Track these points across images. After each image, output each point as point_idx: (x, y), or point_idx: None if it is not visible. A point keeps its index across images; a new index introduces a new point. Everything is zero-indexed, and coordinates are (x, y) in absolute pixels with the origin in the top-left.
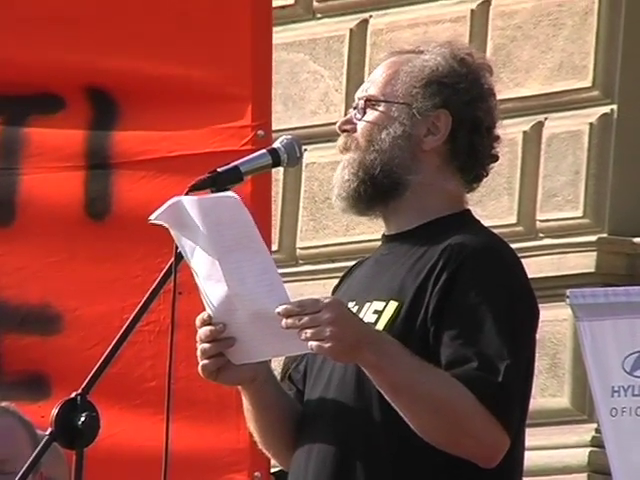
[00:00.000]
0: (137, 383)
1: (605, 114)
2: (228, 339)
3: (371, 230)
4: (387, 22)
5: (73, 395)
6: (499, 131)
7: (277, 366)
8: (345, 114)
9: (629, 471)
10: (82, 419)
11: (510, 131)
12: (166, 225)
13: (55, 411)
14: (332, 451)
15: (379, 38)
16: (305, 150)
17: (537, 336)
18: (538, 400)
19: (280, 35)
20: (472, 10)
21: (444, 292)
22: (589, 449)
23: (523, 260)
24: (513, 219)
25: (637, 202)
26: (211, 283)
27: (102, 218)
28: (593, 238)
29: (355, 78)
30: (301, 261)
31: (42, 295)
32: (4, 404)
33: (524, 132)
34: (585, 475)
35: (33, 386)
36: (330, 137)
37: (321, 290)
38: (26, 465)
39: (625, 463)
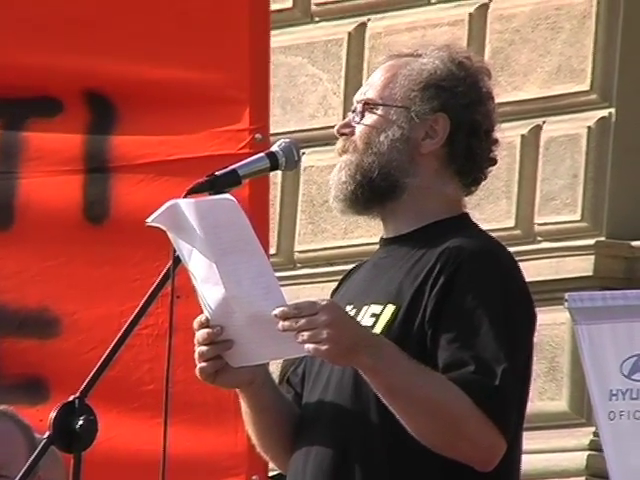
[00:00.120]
0: (135, 386)
1: (603, 117)
2: (226, 342)
3: (369, 233)
4: (385, 25)
5: (71, 398)
6: (497, 134)
7: (275, 369)
8: (343, 117)
9: (627, 474)
10: (80, 422)
11: (508, 134)
12: (163, 228)
13: (53, 414)
14: (330, 454)
15: (377, 41)
16: (303, 153)
17: (535, 340)
18: (536, 403)
19: (278, 38)
20: (470, 14)
21: (441, 295)
22: (587, 452)
23: (521, 263)
24: (511, 222)
25: (635, 205)
26: (208, 286)
27: (100, 222)
28: (591, 242)
29: (353, 81)
30: (299, 264)
31: (40, 299)
32: (2, 408)
33: (522, 135)
34: (583, 479)
35: (31, 390)
36: (328, 140)
37: (319, 293)
38: (24, 469)
39: (623, 466)
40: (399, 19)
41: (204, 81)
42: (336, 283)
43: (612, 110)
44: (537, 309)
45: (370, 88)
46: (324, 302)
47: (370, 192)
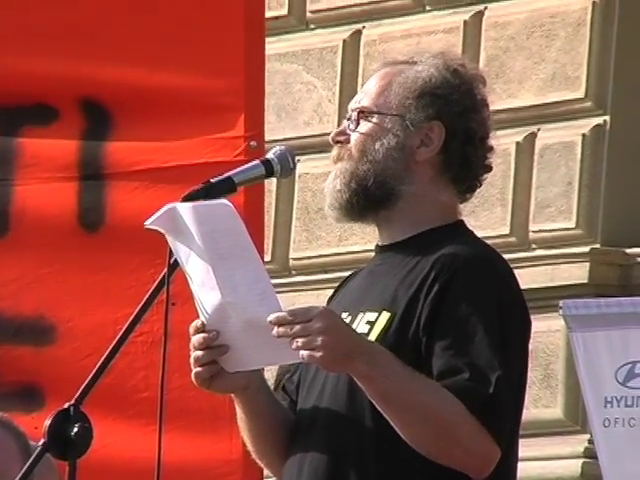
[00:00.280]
0: (130, 394)
1: (598, 125)
2: (221, 347)
3: (364, 240)
4: (380, 33)
5: (66, 406)
6: (492, 142)
7: (270, 377)
8: (338, 125)
9: None
10: (75, 430)
11: (503, 142)
12: (161, 230)
13: (48, 422)
14: (324, 460)
15: (372, 49)
16: (298, 161)
17: (530, 347)
18: (531, 411)
19: (273, 46)
20: (465, 21)
21: (436, 303)
22: (582, 460)
23: (516, 271)
24: (506, 230)
25: (630, 213)
26: (205, 290)
27: (95, 229)
28: (586, 249)
29: (348, 89)
30: (294, 271)
31: (36, 306)
32: None
33: (517, 143)
34: None
35: (26, 397)
36: (323, 148)
37: (314, 300)
38: (18, 476)
39: (618, 474)
40: (394, 26)
41: (199, 88)
42: (331, 290)
43: (607, 118)
44: (532, 316)
45: (365, 96)
46: (319, 309)
47: (365, 200)
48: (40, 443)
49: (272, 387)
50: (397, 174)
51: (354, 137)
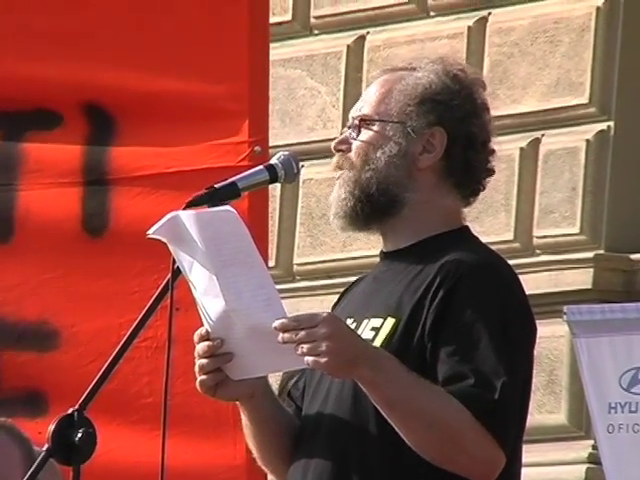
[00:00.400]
0: (134, 399)
1: (602, 131)
2: (226, 354)
3: (368, 246)
4: (384, 38)
5: (70, 411)
6: (495, 147)
7: (274, 382)
8: (342, 131)
9: None
10: (79, 435)
11: (507, 147)
12: (164, 240)
13: (52, 427)
14: (329, 466)
15: (376, 54)
16: (302, 166)
17: (534, 353)
18: (535, 417)
19: (277, 51)
20: (469, 27)
21: (441, 309)
22: (586, 466)
23: (520, 276)
24: (510, 235)
25: (634, 219)
26: (209, 298)
27: (99, 234)
28: (590, 255)
29: (352, 94)
30: (298, 277)
31: (39, 312)
32: (0, 420)
33: (521, 148)
34: None
35: (30, 402)
36: (327, 153)
37: (318, 306)
38: None
39: (622, 479)
40: (398, 32)
41: (203, 93)
42: (335, 296)
43: (611, 123)
44: (536, 322)
45: (365, 104)
46: (324, 315)
47: (370, 208)
48: (44, 448)
49: (277, 392)
50: (400, 181)
51: (355, 145)
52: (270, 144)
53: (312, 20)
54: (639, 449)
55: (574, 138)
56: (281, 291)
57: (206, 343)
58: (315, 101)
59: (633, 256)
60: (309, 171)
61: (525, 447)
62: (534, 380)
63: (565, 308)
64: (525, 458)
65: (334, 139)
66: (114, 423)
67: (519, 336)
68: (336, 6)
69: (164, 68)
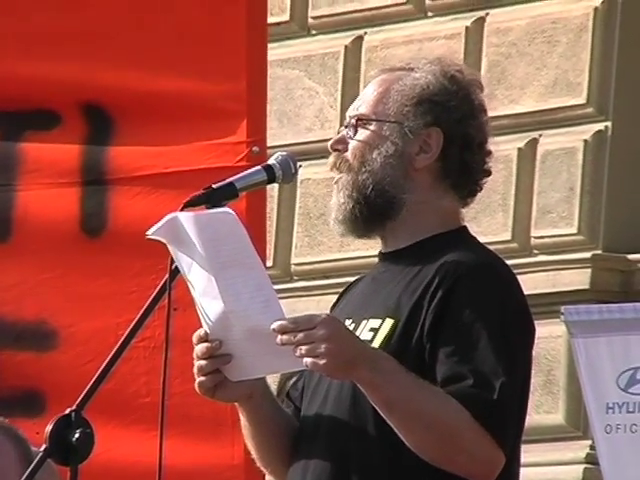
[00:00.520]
0: (132, 399)
1: (599, 131)
2: (224, 356)
3: (366, 246)
4: (382, 39)
5: (68, 411)
6: (492, 147)
7: (272, 382)
8: (339, 130)
9: None
10: (76, 435)
11: (505, 148)
12: (163, 241)
13: (49, 427)
14: (328, 467)
15: (374, 55)
16: (300, 166)
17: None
18: (533, 417)
19: (275, 52)
20: (467, 27)
21: (440, 309)
22: (583, 466)
23: (517, 277)
24: (508, 236)
25: (631, 219)
26: (207, 299)
27: (97, 234)
28: (587, 255)
29: (350, 94)
30: (296, 277)
31: (38, 311)
32: None
33: (519, 149)
34: None
35: (28, 402)
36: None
37: (315, 306)
38: None
39: None
40: (396, 32)
41: (201, 93)
42: (333, 296)
43: (608, 123)
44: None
45: (362, 103)
46: (322, 316)
47: (368, 210)
48: (42, 449)
49: (275, 393)
50: (396, 182)
51: (352, 145)
52: (268, 144)
53: (310, 20)
54: (636, 449)
55: (572, 138)
56: (278, 291)
57: (205, 344)
58: (313, 101)
59: (631, 256)
60: (307, 171)
61: (523, 447)
62: (532, 380)
63: (563, 308)
64: (523, 458)
65: (332, 139)
66: (112, 423)
67: (518, 336)
68: (334, 6)
69: (162, 68)
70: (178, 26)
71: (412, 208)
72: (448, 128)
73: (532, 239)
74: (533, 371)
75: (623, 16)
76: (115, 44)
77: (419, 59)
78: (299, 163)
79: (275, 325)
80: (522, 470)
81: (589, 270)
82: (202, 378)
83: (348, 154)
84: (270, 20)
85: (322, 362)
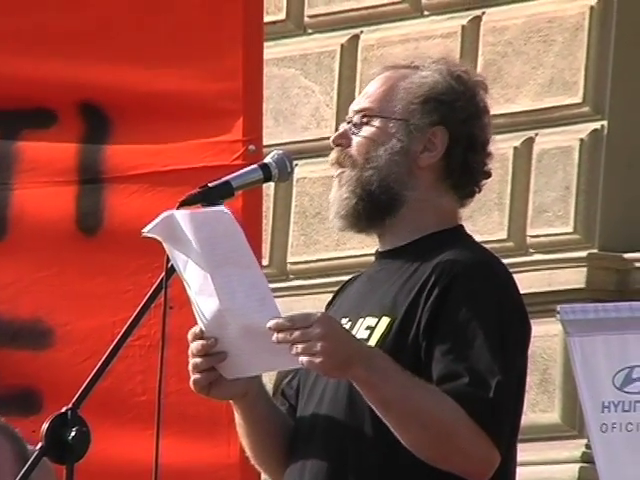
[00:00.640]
0: (128, 397)
1: (595, 130)
2: (220, 354)
3: (362, 245)
4: (378, 37)
5: (64, 410)
6: (490, 147)
7: (268, 381)
8: (336, 129)
9: None
10: (72, 434)
11: (501, 147)
12: (159, 238)
13: (45, 426)
14: (325, 467)
15: (370, 54)
16: (296, 165)
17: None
18: (528, 415)
19: (271, 50)
20: (463, 26)
21: (436, 308)
22: (579, 465)
23: (513, 276)
24: (503, 234)
25: (627, 218)
26: (203, 297)
27: (94, 233)
28: (583, 254)
29: (346, 93)
30: (292, 276)
31: (33, 310)
32: None
33: (515, 148)
34: None
35: (24, 401)
36: (321, 152)
37: (312, 305)
38: None
39: (615, 479)
40: (392, 31)
41: (198, 92)
42: (328, 294)
43: (604, 122)
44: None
45: (368, 99)
46: (318, 314)
47: (371, 206)
48: (37, 447)
49: (271, 392)
50: (400, 179)
51: (356, 141)
52: (264, 143)
53: (306, 19)
54: (632, 448)
55: (568, 137)
56: (274, 290)
57: (200, 342)
58: (309, 100)
59: (626, 255)
60: (303, 170)
61: (518, 446)
62: (527, 379)
63: (558, 307)
64: (518, 457)
65: (328, 138)
66: (108, 422)
67: (514, 335)
68: (330, 5)
69: (159, 67)
70: (174, 25)
71: (412, 205)
72: (453, 128)
73: (528, 238)
74: (529, 370)
75: (619, 15)
76: (111, 43)
77: (423, 57)
78: (295, 162)
79: (271, 323)
80: (518, 469)
81: (585, 269)
82: (197, 376)
83: (352, 150)
84: (266, 19)
85: (318, 360)
